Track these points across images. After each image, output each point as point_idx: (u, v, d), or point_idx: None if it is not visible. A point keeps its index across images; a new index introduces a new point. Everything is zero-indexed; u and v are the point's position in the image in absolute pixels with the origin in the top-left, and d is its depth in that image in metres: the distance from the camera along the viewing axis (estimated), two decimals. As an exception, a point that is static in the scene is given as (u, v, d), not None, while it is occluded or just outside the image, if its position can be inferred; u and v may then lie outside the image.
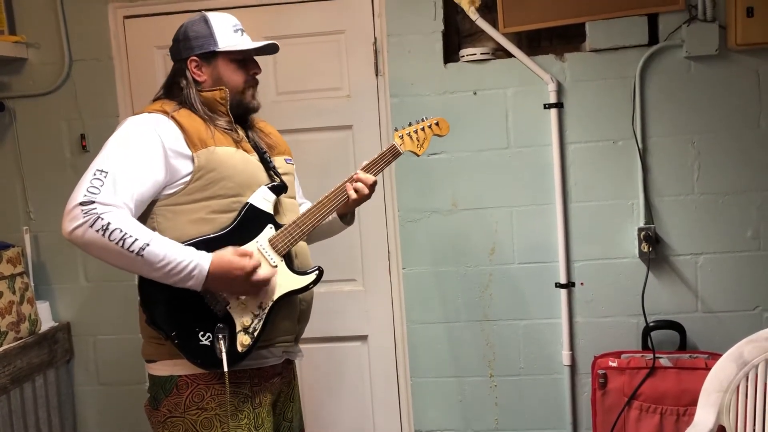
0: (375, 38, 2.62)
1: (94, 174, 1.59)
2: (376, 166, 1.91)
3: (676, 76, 2.46)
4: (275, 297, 1.74)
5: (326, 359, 2.74)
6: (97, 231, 1.54)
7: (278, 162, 1.90)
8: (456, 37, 2.64)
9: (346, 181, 1.86)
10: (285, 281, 1.76)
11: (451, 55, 2.58)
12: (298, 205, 1.97)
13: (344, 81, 2.65)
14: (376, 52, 2.62)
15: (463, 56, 2.55)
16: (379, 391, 2.74)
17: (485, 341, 2.61)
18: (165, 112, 1.73)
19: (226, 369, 1.65)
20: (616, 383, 2.39)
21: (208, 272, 1.61)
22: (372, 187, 1.88)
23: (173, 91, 1.82)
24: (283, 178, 1.86)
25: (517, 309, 2.59)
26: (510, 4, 2.47)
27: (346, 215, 2.00)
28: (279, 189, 1.80)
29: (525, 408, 2.62)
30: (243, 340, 1.70)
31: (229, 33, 1.83)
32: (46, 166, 2.71)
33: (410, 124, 2.01)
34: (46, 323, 2.67)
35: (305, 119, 2.66)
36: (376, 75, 2.63)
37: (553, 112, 2.50)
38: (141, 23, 2.67)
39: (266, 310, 1.72)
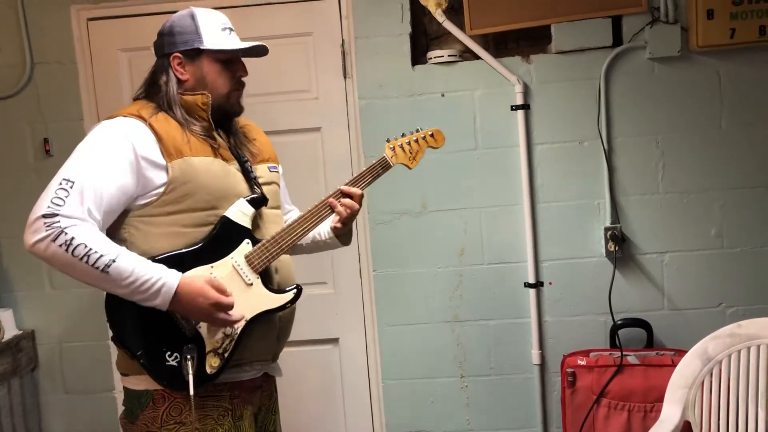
0: (342, 40, 2.61)
1: (60, 184, 1.51)
2: (364, 180, 1.80)
3: (640, 77, 2.50)
4: (248, 317, 1.65)
5: (298, 363, 2.72)
6: (60, 246, 1.46)
7: (261, 171, 1.79)
8: (424, 39, 2.65)
9: (330, 196, 1.76)
10: (260, 300, 1.66)
11: (419, 57, 2.59)
12: (283, 215, 1.87)
13: (312, 83, 2.64)
14: (343, 54, 2.61)
15: (431, 58, 2.56)
16: (350, 393, 2.74)
17: (456, 342, 2.62)
18: (141, 118, 1.62)
19: (192, 392, 1.56)
20: (585, 381, 2.42)
21: (176, 292, 1.53)
22: (359, 199, 1.78)
23: (153, 90, 1.70)
24: (266, 188, 1.76)
25: (487, 309, 2.60)
26: (476, 6, 2.48)
27: (342, 235, 1.90)
28: (258, 202, 1.70)
29: (496, 408, 2.63)
30: (212, 361, 1.62)
31: (215, 31, 1.70)
32: (8, 171, 2.65)
33: (403, 135, 1.87)
34: (10, 331, 2.61)
35: (273, 122, 2.63)
36: (344, 77, 2.62)
37: (520, 113, 2.52)
38: (105, 26, 2.63)
39: (239, 330, 1.64)
